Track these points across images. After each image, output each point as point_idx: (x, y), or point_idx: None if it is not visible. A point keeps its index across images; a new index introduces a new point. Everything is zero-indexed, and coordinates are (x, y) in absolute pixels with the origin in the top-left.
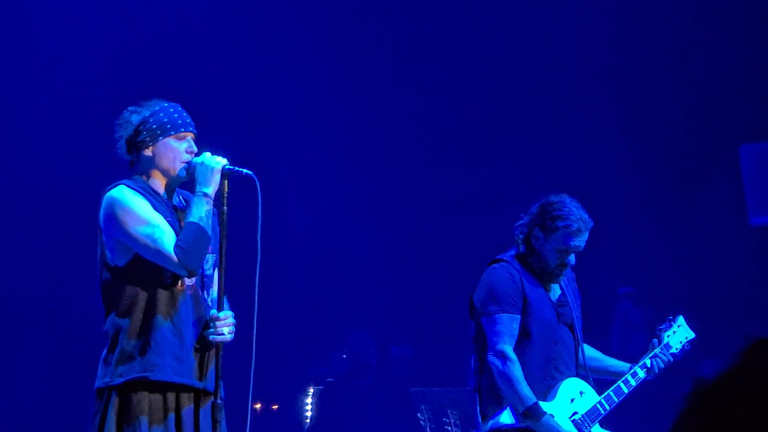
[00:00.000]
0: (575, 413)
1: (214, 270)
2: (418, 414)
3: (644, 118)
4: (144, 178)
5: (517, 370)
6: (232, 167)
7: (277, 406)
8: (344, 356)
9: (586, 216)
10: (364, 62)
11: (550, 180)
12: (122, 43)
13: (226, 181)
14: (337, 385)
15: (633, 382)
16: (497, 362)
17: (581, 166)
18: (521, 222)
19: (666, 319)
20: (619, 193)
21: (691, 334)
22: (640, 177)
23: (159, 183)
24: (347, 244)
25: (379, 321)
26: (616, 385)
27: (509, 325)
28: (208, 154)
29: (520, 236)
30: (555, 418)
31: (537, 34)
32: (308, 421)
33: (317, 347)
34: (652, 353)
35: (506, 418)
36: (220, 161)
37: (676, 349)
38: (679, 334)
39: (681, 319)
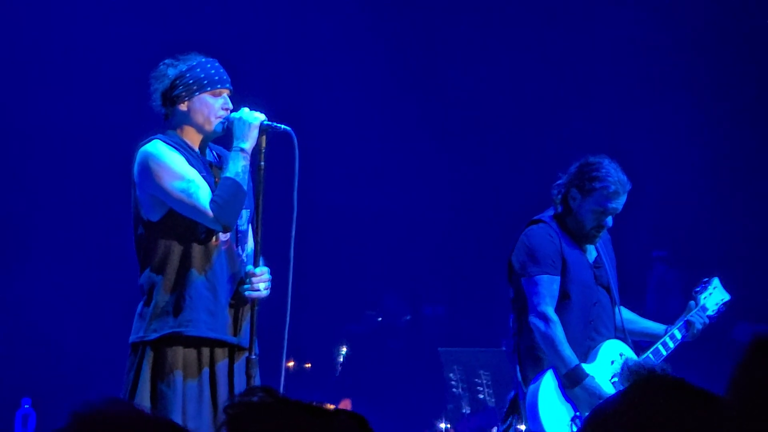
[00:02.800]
0: (615, 375)
1: (248, 225)
2: (450, 374)
3: (680, 83)
4: (178, 132)
5: (559, 332)
6: (270, 123)
7: (309, 365)
8: (379, 318)
9: (625, 178)
10: (401, 20)
11: (587, 139)
12: None
13: (263, 137)
14: (368, 344)
15: (671, 344)
16: (539, 324)
17: (617, 127)
18: (559, 182)
19: (701, 281)
20: (655, 155)
21: (727, 296)
22: (673, 138)
23: (193, 138)
24: (383, 201)
25: (412, 280)
26: (654, 347)
27: (550, 286)
28: (246, 109)
29: (558, 196)
30: (596, 380)
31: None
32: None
33: (351, 305)
34: (689, 315)
35: (548, 380)
36: (258, 116)
37: (713, 311)
38: (714, 296)
39: (716, 281)
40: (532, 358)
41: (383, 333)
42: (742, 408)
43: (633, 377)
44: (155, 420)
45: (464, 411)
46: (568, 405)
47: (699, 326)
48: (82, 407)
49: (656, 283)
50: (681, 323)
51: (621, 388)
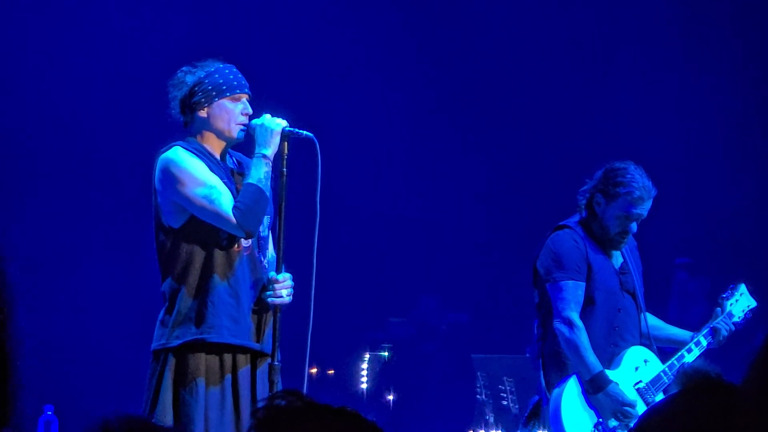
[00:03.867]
0: (639, 381)
1: (268, 231)
2: (474, 380)
3: (707, 89)
4: (198, 139)
5: (584, 338)
6: (292, 129)
7: (333, 371)
8: (407, 320)
9: (650, 184)
10: (422, 23)
11: (610, 146)
12: (176, 3)
13: (286, 143)
14: (400, 349)
15: (696, 351)
16: (564, 329)
17: (642, 131)
18: (585, 187)
19: (728, 287)
20: (680, 159)
21: (753, 303)
22: (695, 144)
23: (213, 144)
24: (406, 207)
25: (435, 287)
26: (679, 353)
27: (575, 292)
28: (267, 115)
29: (583, 201)
30: (619, 386)
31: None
32: (364, 386)
33: (374, 312)
34: (715, 322)
35: (572, 386)
36: (280, 123)
37: (739, 317)
38: (741, 303)
39: (743, 287)
40: (556, 363)
41: (418, 337)
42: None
43: (686, 380)
44: None
45: (487, 417)
46: (591, 411)
47: (725, 333)
48: (99, 426)
49: (679, 291)
50: (707, 330)
51: (645, 394)
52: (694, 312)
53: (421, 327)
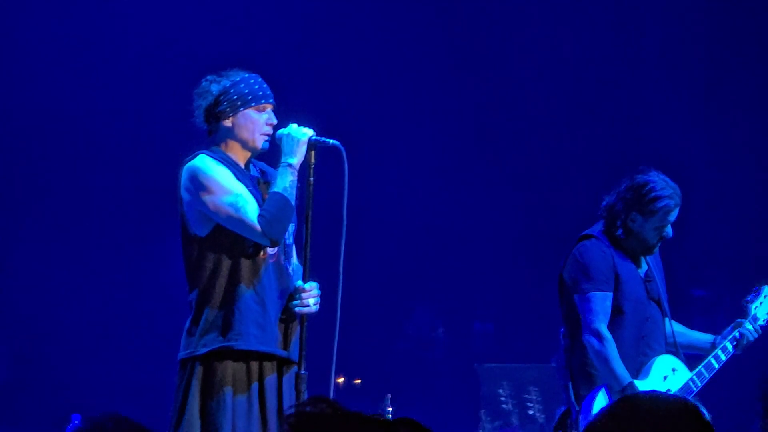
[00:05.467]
0: (668, 390)
1: (293, 239)
2: (500, 390)
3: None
4: (222, 147)
5: (612, 350)
6: (318, 137)
7: (359, 381)
8: (408, 332)
9: (674, 184)
10: (449, 29)
11: (629, 154)
12: (201, 10)
13: (312, 152)
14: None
15: (723, 357)
16: (593, 342)
17: (666, 137)
18: (610, 203)
19: (752, 290)
20: (700, 164)
21: None
22: (722, 148)
23: (237, 154)
24: (432, 216)
25: (461, 296)
26: (706, 360)
27: (603, 303)
28: (294, 125)
29: (617, 222)
30: None
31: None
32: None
33: (402, 322)
34: (740, 326)
35: (601, 399)
36: (307, 132)
37: (764, 320)
38: (765, 305)
39: (767, 289)
40: (585, 375)
41: (417, 347)
42: None
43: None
44: None
45: (514, 426)
46: None
47: (750, 338)
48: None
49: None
50: (732, 335)
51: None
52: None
53: (445, 335)
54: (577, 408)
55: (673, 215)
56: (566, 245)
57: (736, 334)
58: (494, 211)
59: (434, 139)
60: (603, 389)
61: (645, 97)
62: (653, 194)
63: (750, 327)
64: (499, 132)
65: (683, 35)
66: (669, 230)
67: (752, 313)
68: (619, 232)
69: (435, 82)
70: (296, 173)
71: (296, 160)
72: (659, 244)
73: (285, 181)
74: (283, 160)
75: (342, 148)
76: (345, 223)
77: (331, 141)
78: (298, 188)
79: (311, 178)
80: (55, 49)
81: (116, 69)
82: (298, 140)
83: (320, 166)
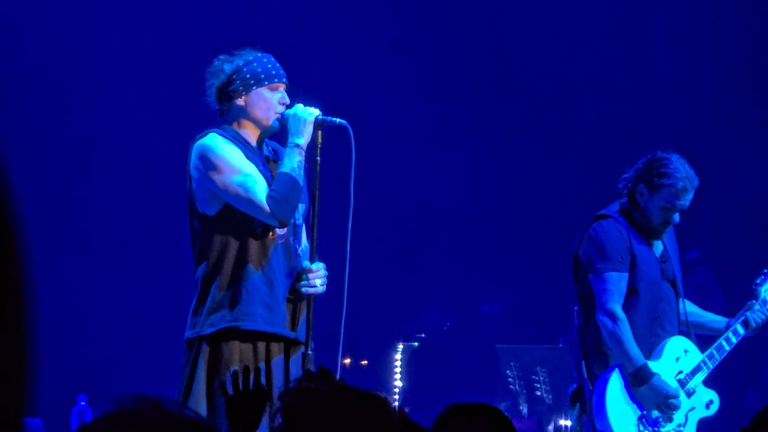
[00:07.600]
0: (680, 372)
1: (303, 220)
2: (507, 371)
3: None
4: (234, 126)
5: (627, 330)
6: (324, 117)
7: (366, 362)
8: (423, 335)
9: (693, 173)
10: (459, 6)
11: (643, 134)
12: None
13: (319, 132)
14: (432, 339)
15: (734, 339)
16: (607, 322)
17: (677, 122)
18: (626, 175)
19: (761, 273)
20: (704, 150)
21: None
22: (725, 135)
23: (250, 133)
24: (440, 196)
25: (469, 277)
26: (717, 342)
27: (618, 283)
28: (300, 105)
29: (624, 190)
30: (661, 378)
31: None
32: (398, 377)
33: (408, 302)
34: (751, 309)
35: (615, 380)
36: (313, 112)
37: None
38: None
39: None
40: (599, 354)
41: (443, 329)
42: None
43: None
44: (179, 418)
45: (521, 408)
46: (635, 405)
47: (759, 320)
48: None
49: (697, 285)
50: (743, 318)
51: (686, 384)
52: (714, 306)
53: (453, 318)
54: (591, 387)
55: (682, 200)
56: (577, 226)
57: (748, 316)
58: (503, 191)
59: (443, 119)
60: (617, 369)
61: (658, 79)
62: (663, 169)
63: (761, 310)
64: (509, 112)
65: (689, 25)
66: (676, 216)
67: (762, 296)
68: (625, 200)
69: (446, 59)
70: (303, 153)
71: (303, 140)
72: (665, 231)
73: (293, 162)
74: (289, 140)
75: (349, 127)
76: (352, 202)
77: (338, 120)
78: (305, 168)
79: (318, 158)
80: (65, 45)
81: (122, 67)
82: (305, 120)
83: (327, 146)
